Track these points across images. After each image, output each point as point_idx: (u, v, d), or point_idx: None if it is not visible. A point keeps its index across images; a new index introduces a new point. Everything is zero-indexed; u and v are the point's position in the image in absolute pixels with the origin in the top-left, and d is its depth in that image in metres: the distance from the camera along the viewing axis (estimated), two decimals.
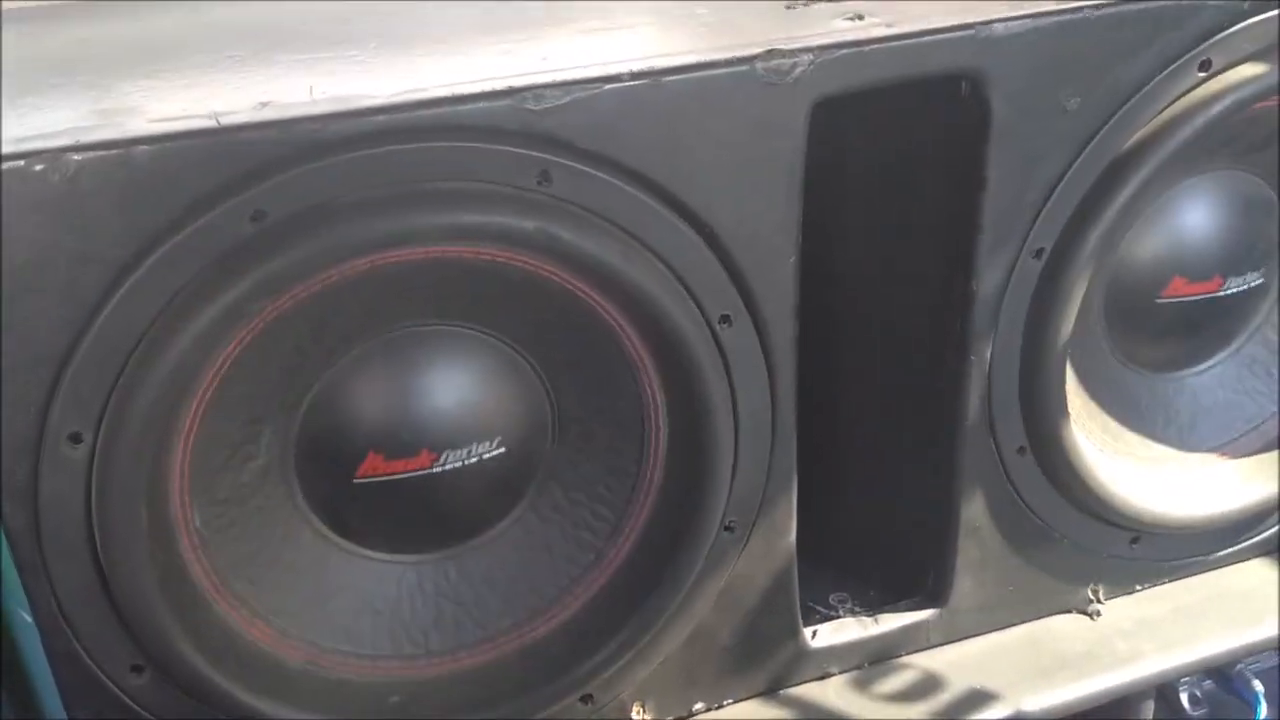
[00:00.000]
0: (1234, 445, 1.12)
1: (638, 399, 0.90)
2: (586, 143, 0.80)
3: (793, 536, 0.98)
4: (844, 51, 0.83)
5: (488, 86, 0.77)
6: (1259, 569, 1.16)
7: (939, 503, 1.02)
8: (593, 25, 0.89)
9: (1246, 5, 0.92)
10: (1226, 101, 0.93)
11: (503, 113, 0.78)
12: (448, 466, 0.86)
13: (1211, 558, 1.15)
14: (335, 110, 0.75)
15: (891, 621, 1.05)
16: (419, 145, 0.77)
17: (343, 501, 0.86)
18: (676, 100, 0.81)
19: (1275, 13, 0.93)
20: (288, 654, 0.87)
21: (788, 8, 0.90)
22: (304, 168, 0.75)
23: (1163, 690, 1.12)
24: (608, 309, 0.86)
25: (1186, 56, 0.92)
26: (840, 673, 1.04)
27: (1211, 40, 0.92)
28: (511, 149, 0.79)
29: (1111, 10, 0.88)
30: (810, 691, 1.03)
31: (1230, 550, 1.15)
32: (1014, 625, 1.09)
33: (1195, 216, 1.03)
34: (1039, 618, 1.10)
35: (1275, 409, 1.12)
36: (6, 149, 0.70)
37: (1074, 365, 1.02)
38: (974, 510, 1.02)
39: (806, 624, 1.02)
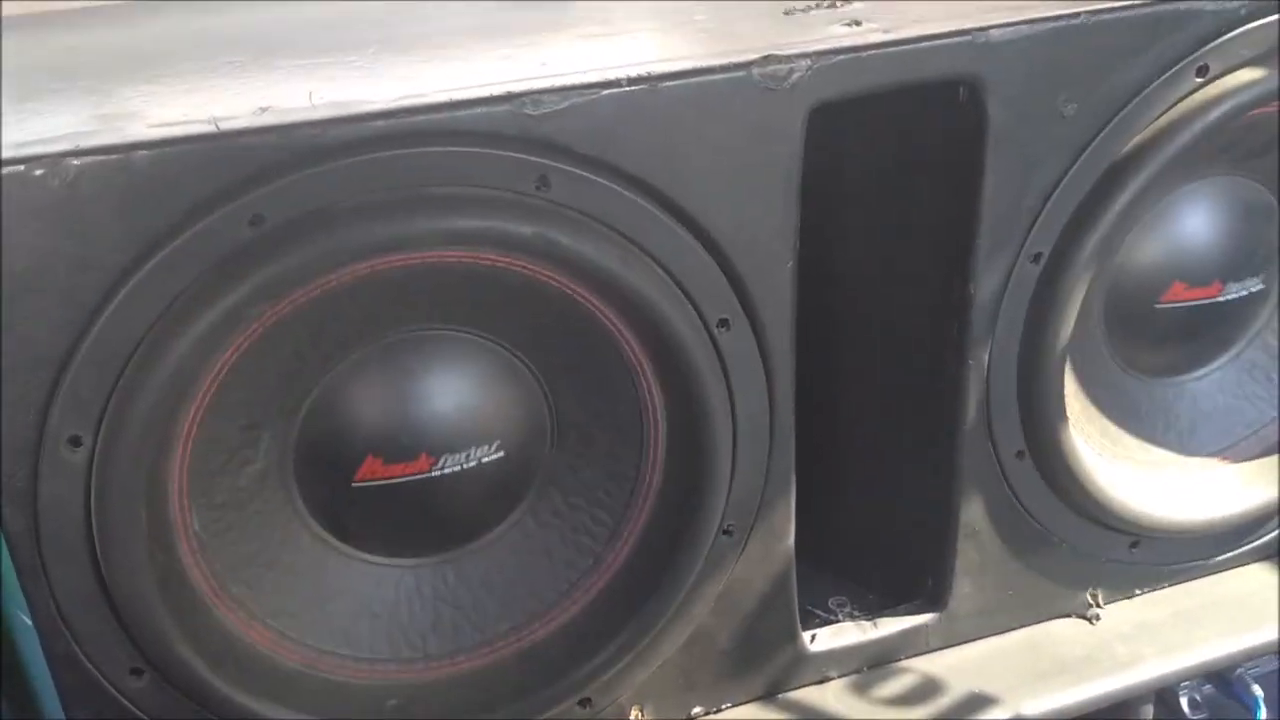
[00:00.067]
0: (1234, 450, 1.12)
1: (636, 403, 0.90)
2: (585, 148, 0.80)
3: (791, 540, 0.98)
4: (841, 57, 0.84)
5: (486, 92, 0.78)
6: (1258, 573, 1.16)
7: (938, 506, 1.02)
8: (592, 31, 0.89)
9: (1244, 11, 0.92)
10: (1224, 107, 0.93)
11: (501, 118, 0.78)
12: (446, 470, 0.86)
13: (1211, 562, 1.15)
14: (334, 115, 0.75)
15: (890, 625, 1.05)
16: (418, 150, 0.77)
17: (341, 505, 0.87)
18: (674, 106, 0.81)
19: (1272, 18, 0.93)
20: (286, 657, 0.87)
21: (786, 13, 0.91)
22: (303, 173, 0.75)
23: (1162, 694, 1.12)
24: (606, 313, 0.86)
25: (1184, 62, 0.92)
26: (839, 677, 1.04)
27: (1209, 46, 0.92)
28: (510, 154, 0.79)
29: (1108, 16, 0.88)
30: (809, 695, 1.03)
31: (1230, 555, 1.15)
32: (1013, 629, 1.09)
33: (1195, 222, 1.03)
34: (1038, 622, 1.10)
35: (1275, 414, 1.12)
36: (6, 154, 0.70)
37: (1073, 369, 1.03)
38: (973, 514, 1.02)
39: (805, 628, 1.02)
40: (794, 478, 0.96)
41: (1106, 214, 0.93)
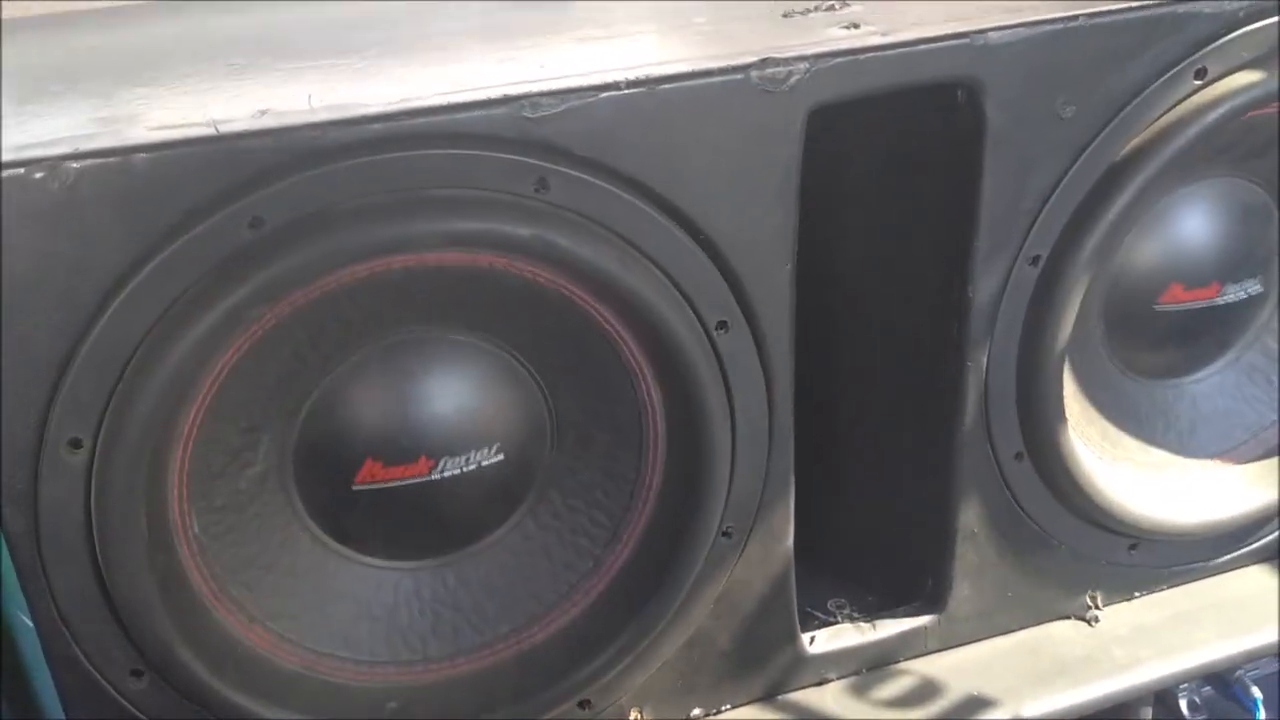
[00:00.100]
0: (1233, 452, 1.12)
1: (635, 405, 0.90)
2: (583, 150, 0.80)
3: (790, 542, 0.98)
4: (839, 60, 0.84)
5: (485, 94, 0.78)
6: (1258, 575, 1.16)
7: (937, 508, 1.03)
8: (591, 33, 0.90)
9: (1242, 13, 0.92)
10: (1222, 109, 0.93)
11: (500, 120, 0.78)
12: (446, 473, 0.86)
13: (1210, 564, 1.15)
14: (333, 118, 0.75)
15: (890, 627, 1.05)
16: (416, 153, 0.77)
17: (341, 508, 0.87)
18: (673, 108, 0.81)
19: (1270, 20, 0.93)
20: (286, 659, 0.88)
21: (785, 16, 0.91)
22: (302, 175, 0.75)
23: (1161, 696, 1.12)
24: (605, 315, 0.86)
25: (1182, 64, 0.92)
26: (838, 678, 1.04)
27: (1207, 48, 0.92)
28: (509, 156, 0.79)
29: (1106, 19, 0.88)
30: (808, 697, 1.03)
31: (1229, 557, 1.15)
32: (1012, 631, 1.09)
33: (1193, 224, 1.03)
34: (1037, 624, 1.10)
35: (1275, 416, 1.12)
36: (6, 157, 0.70)
37: (1072, 371, 1.03)
38: (972, 516, 1.02)
39: (804, 629, 1.02)
40: (793, 480, 0.96)
41: (1105, 216, 0.93)
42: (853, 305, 1.03)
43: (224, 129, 0.73)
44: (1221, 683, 1.13)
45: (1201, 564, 1.14)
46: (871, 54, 0.84)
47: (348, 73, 0.83)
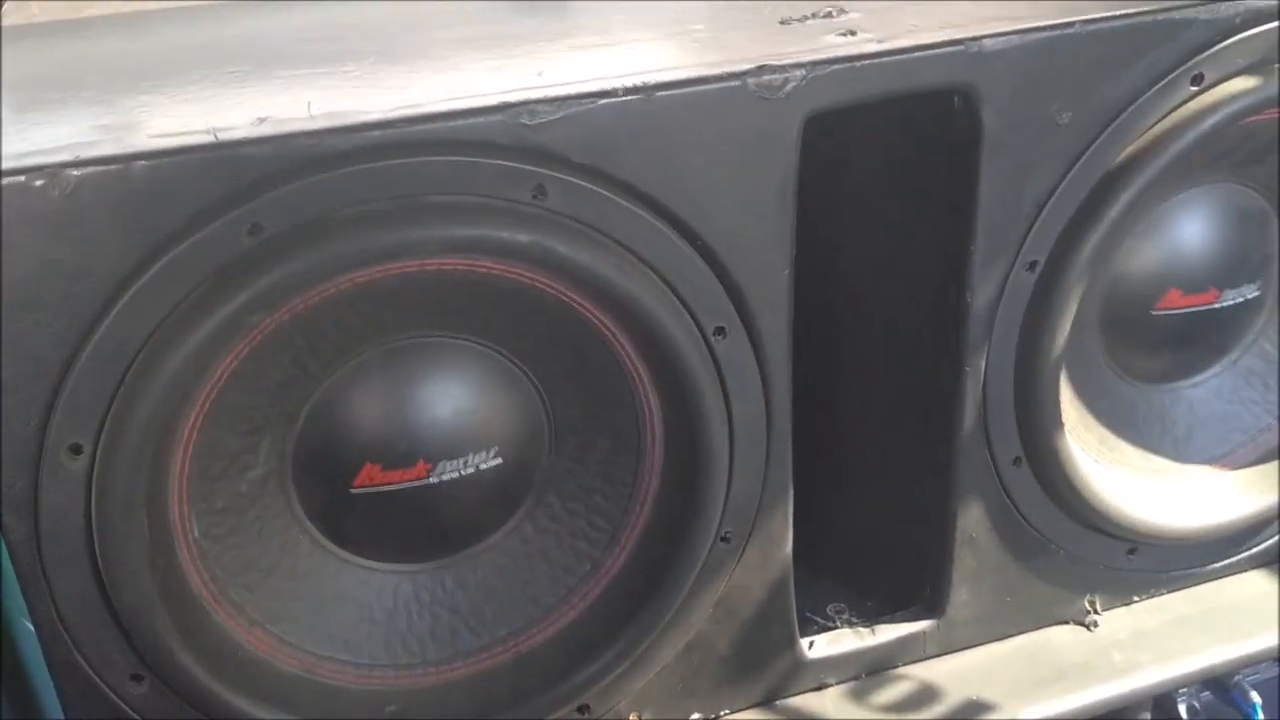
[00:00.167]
0: (1231, 457, 1.12)
1: (634, 410, 0.91)
2: (581, 157, 0.81)
3: (789, 547, 0.98)
4: (836, 67, 0.84)
5: (482, 102, 0.78)
6: (1257, 580, 1.16)
7: (935, 513, 1.03)
8: (588, 40, 0.90)
9: (1238, 19, 0.92)
10: (1219, 115, 0.93)
11: (497, 128, 0.78)
12: (444, 477, 0.86)
13: (1209, 569, 1.15)
14: (332, 126, 0.76)
15: (888, 632, 1.05)
16: (414, 160, 0.78)
17: (340, 511, 0.87)
18: (669, 115, 0.82)
19: (1266, 27, 0.93)
20: (285, 662, 0.88)
21: (782, 23, 0.91)
22: (301, 182, 0.76)
23: (1160, 701, 1.12)
24: (603, 321, 0.86)
25: (1178, 71, 0.92)
26: (837, 683, 1.04)
27: (1203, 54, 0.92)
28: (506, 163, 0.80)
29: (1102, 25, 0.89)
30: (807, 702, 1.03)
31: (1228, 562, 1.15)
32: (1011, 636, 1.09)
33: (1190, 229, 1.03)
34: (1036, 629, 1.10)
35: (1272, 420, 1.12)
36: (7, 164, 0.71)
37: (1070, 377, 1.03)
38: (970, 521, 1.03)
39: (803, 634, 1.02)
40: (791, 485, 0.96)
41: (1101, 222, 0.93)
42: (850, 311, 1.03)
43: (223, 137, 0.74)
44: (1220, 688, 1.13)
45: (1200, 569, 1.14)
46: (867, 61, 0.85)
47: (347, 80, 0.83)
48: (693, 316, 0.87)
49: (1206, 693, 1.14)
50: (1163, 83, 0.92)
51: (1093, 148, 0.92)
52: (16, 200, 0.71)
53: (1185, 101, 0.93)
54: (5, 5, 1.00)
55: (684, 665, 0.99)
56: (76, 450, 0.77)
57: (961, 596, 1.05)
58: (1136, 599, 1.13)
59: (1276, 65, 0.95)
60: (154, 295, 0.75)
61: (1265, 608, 1.13)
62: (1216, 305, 1.04)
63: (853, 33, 0.87)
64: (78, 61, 0.91)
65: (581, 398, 0.90)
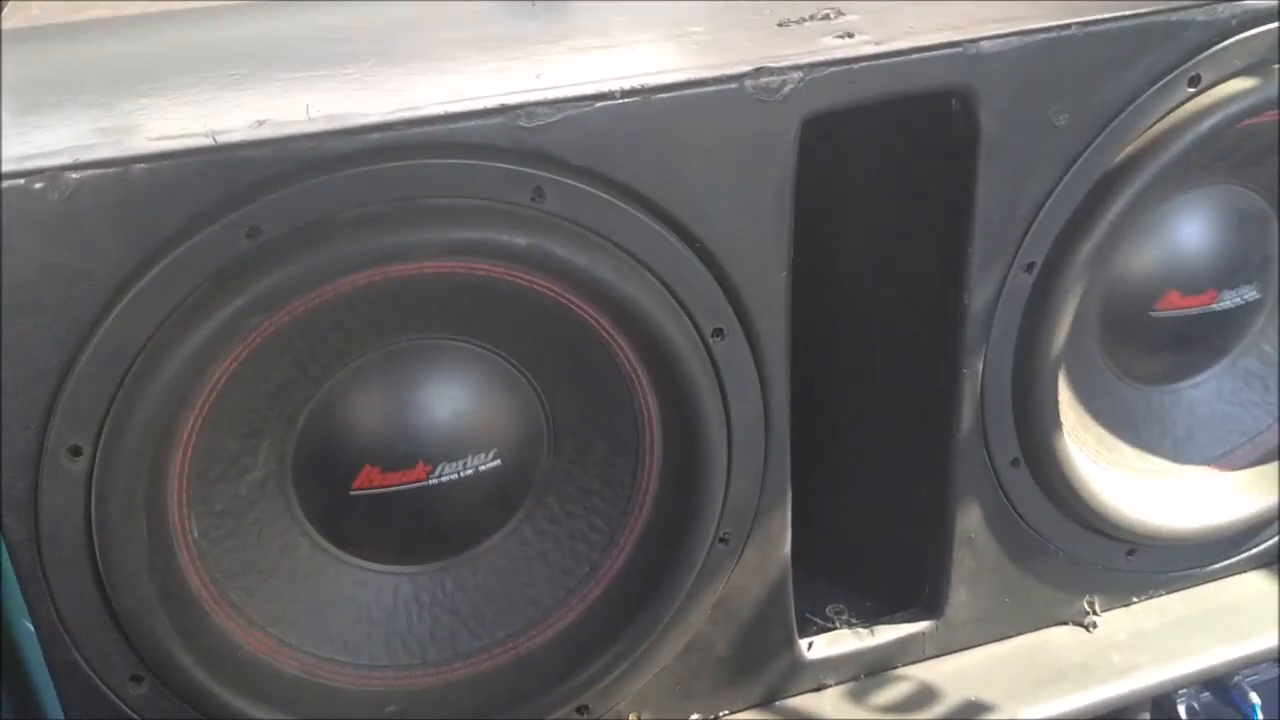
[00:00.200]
0: (1230, 458, 1.12)
1: (632, 411, 0.91)
2: (579, 159, 0.81)
3: (788, 548, 0.98)
4: (833, 69, 0.84)
5: (481, 104, 0.78)
6: (1257, 581, 1.16)
7: (934, 514, 1.03)
8: (587, 43, 0.90)
9: (1235, 21, 0.92)
10: (1216, 117, 0.93)
11: (496, 130, 0.79)
12: (444, 479, 0.87)
13: (1208, 570, 1.15)
14: (330, 128, 0.76)
15: (887, 633, 1.05)
16: (413, 162, 0.78)
17: (340, 513, 0.87)
18: (667, 117, 0.82)
19: (1264, 29, 0.93)
20: (285, 663, 0.88)
21: (780, 25, 0.91)
22: (299, 185, 0.76)
23: (1159, 702, 1.12)
24: (601, 323, 0.86)
25: (1176, 72, 0.92)
26: (836, 684, 1.05)
27: (1201, 56, 0.92)
28: (505, 166, 0.80)
29: (1099, 27, 0.89)
30: (806, 703, 1.03)
31: (1227, 563, 1.15)
32: (1010, 637, 1.09)
33: (1189, 231, 1.03)
34: (1035, 629, 1.10)
35: (1271, 421, 1.12)
36: (7, 167, 0.71)
37: (1069, 378, 1.03)
38: (969, 522, 1.03)
39: (802, 635, 1.02)
40: (790, 486, 0.96)
41: (1099, 223, 0.93)
42: (848, 312, 1.03)
43: (222, 139, 0.74)
44: (1220, 688, 1.13)
45: (1199, 569, 1.14)
46: (865, 63, 0.85)
47: (345, 83, 0.83)
48: (691, 318, 0.87)
49: (1206, 693, 1.14)
50: (1160, 84, 0.92)
51: (1090, 149, 0.92)
52: (16, 203, 0.71)
53: (1183, 103, 0.93)
54: (5, 8, 1.00)
55: (683, 666, 0.99)
56: (76, 452, 0.77)
57: (960, 597, 1.05)
58: (1135, 600, 1.13)
59: (1275, 67, 0.95)
60: (153, 298, 0.76)
61: (1264, 608, 1.13)
62: (1215, 307, 1.04)
63: (850, 35, 0.87)
64: (78, 64, 0.91)
65: (580, 400, 0.91)
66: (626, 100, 0.80)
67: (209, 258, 0.76)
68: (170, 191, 0.74)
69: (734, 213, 0.86)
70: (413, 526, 0.89)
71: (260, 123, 0.76)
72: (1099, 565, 1.10)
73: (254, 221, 0.76)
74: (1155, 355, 1.07)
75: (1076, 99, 0.90)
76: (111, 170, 0.72)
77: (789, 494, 0.96)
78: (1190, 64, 0.92)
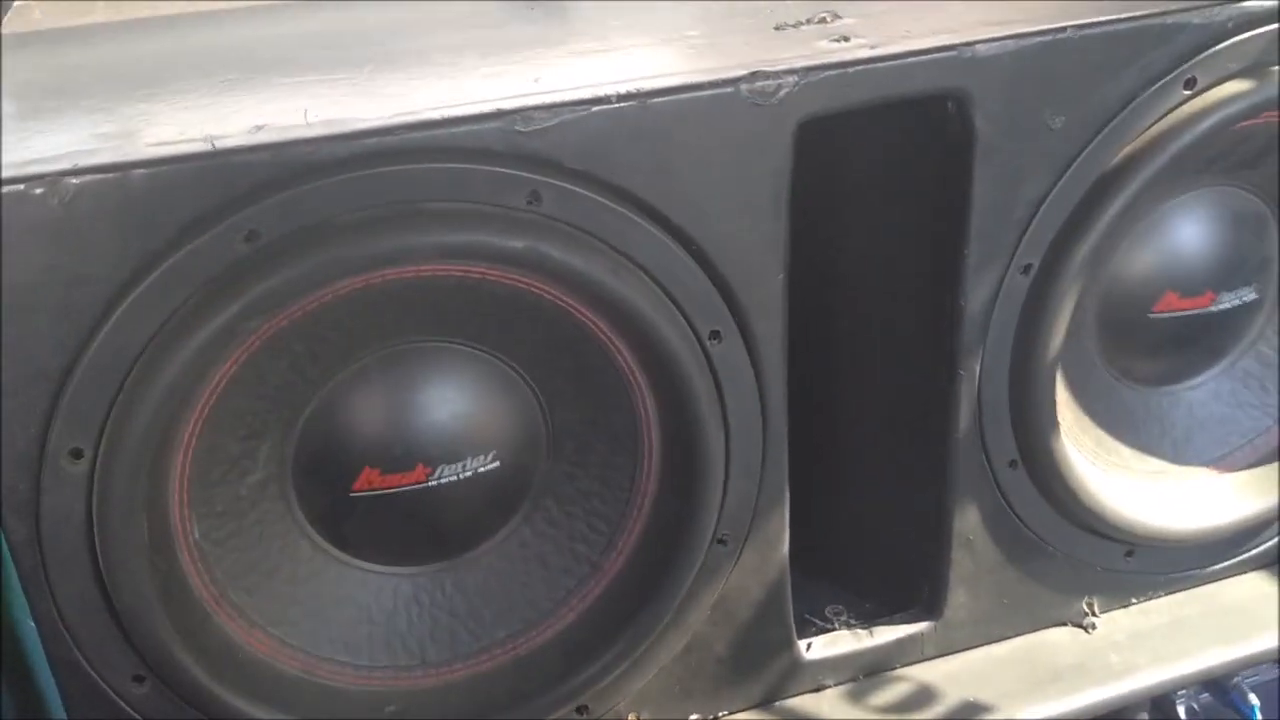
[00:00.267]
0: (1229, 459, 1.12)
1: (630, 413, 0.91)
2: (575, 163, 0.81)
3: (786, 549, 0.98)
4: (829, 73, 0.84)
5: (477, 109, 0.79)
6: (1256, 582, 1.16)
7: (932, 515, 1.03)
8: (585, 47, 0.91)
9: (1231, 24, 0.92)
10: (1212, 119, 0.93)
11: (492, 134, 0.79)
12: (443, 480, 0.87)
13: (1207, 571, 1.15)
14: (328, 133, 0.76)
15: (886, 634, 1.05)
16: (410, 167, 0.78)
17: (340, 514, 0.88)
18: (664, 121, 0.82)
19: (1259, 31, 0.93)
20: (285, 664, 0.89)
21: (776, 29, 0.91)
22: (297, 189, 0.76)
23: (1158, 703, 1.12)
24: (599, 325, 0.87)
25: (1171, 74, 0.92)
26: (835, 685, 1.05)
27: (1196, 58, 0.92)
28: (501, 170, 0.80)
29: (1094, 30, 0.89)
30: (805, 703, 1.04)
31: (1226, 564, 1.15)
32: (1008, 638, 1.10)
33: (1187, 232, 1.03)
34: (1034, 630, 1.10)
35: (1270, 423, 1.12)
36: (7, 173, 0.72)
37: (1067, 379, 1.03)
38: (967, 523, 1.03)
39: (801, 636, 1.03)
40: (788, 487, 0.96)
41: (1095, 226, 0.93)
42: (845, 315, 1.03)
43: (220, 144, 0.75)
44: (1219, 689, 1.13)
45: (1198, 571, 1.14)
46: (860, 67, 0.85)
47: (343, 88, 0.84)
48: (688, 321, 0.88)
49: (1205, 694, 1.14)
50: (1155, 86, 0.92)
51: (1086, 152, 0.92)
52: (16, 208, 0.72)
53: (1178, 105, 0.93)
54: (7, 12, 1.01)
55: (682, 666, 0.99)
56: (77, 455, 0.78)
57: (959, 598, 1.06)
58: (1134, 601, 1.13)
59: (1272, 69, 0.95)
60: (153, 302, 0.76)
61: (1264, 609, 1.13)
62: (1214, 308, 1.04)
63: (846, 38, 0.88)
64: (78, 69, 0.92)
65: (578, 402, 0.91)
66: (623, 104, 0.81)
67: (208, 262, 0.76)
68: (169, 196, 0.74)
69: (730, 216, 0.86)
70: (412, 528, 0.89)
71: (258, 128, 0.76)
72: (1098, 566, 1.10)
73: (252, 226, 0.76)
74: (1154, 357, 1.07)
75: (1072, 102, 0.90)
76: (111, 175, 0.73)
77: (787, 495, 0.97)
78: (1186, 66, 0.92)
